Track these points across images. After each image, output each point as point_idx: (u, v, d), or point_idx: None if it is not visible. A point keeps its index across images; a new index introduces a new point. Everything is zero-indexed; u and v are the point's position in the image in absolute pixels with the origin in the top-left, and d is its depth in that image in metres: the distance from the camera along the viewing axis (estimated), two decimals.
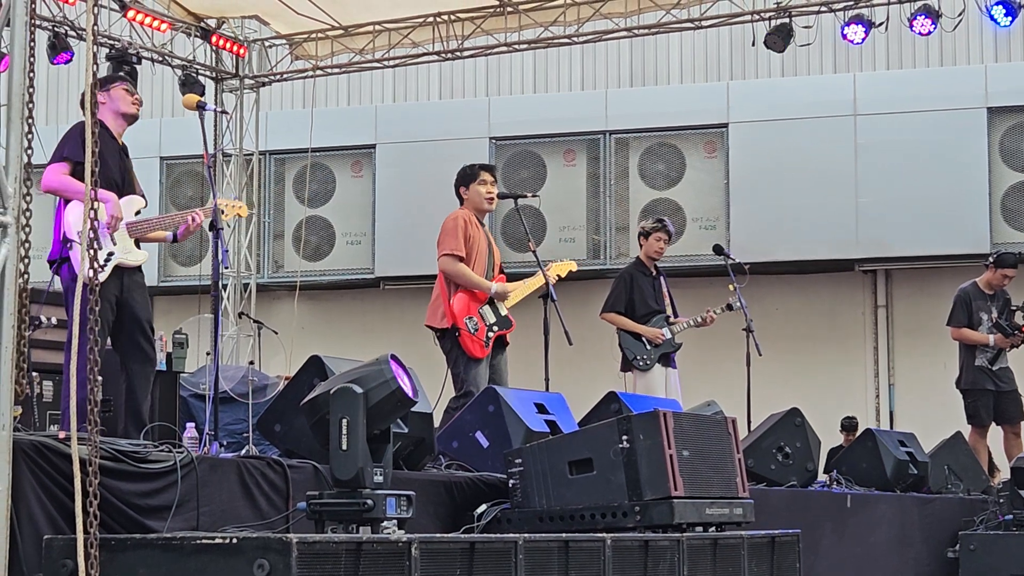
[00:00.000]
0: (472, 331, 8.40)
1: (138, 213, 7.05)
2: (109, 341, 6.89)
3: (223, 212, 7.35)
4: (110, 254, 6.77)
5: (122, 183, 6.95)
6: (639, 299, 10.35)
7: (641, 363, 10.23)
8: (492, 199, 8.79)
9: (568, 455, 6.19)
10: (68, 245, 6.63)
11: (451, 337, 8.44)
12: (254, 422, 6.54)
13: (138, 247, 7.02)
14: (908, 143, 15.29)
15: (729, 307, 10.51)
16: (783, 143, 15.68)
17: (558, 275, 9.10)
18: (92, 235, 4.70)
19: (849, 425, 15.25)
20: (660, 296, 10.46)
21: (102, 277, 6.62)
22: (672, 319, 10.40)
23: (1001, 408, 11.15)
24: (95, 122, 4.72)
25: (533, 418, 6.95)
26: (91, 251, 4.69)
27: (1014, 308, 11.13)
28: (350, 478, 4.97)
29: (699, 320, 10.40)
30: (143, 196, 7.11)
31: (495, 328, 8.51)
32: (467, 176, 8.76)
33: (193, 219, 7.07)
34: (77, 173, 6.52)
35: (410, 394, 5.17)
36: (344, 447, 4.98)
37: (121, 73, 7.23)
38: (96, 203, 4.72)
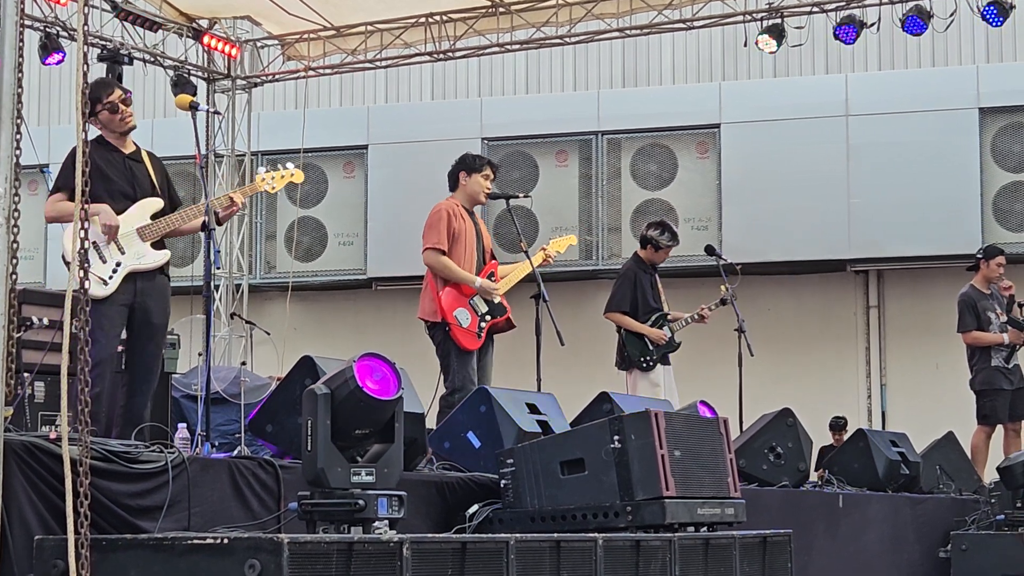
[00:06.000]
0: (463, 325, 8.41)
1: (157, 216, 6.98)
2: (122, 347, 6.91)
3: (272, 186, 7.29)
4: (117, 264, 6.75)
5: (134, 191, 6.92)
6: (642, 299, 10.38)
7: (644, 363, 10.25)
8: (487, 192, 8.84)
9: (560, 455, 6.18)
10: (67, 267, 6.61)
11: (442, 330, 8.45)
12: (246, 422, 6.53)
13: (163, 246, 6.99)
14: (900, 144, 15.30)
15: (723, 302, 10.50)
16: (775, 144, 15.68)
17: (557, 250, 9.27)
18: (84, 247, 4.71)
19: (837, 424, 15.28)
20: (657, 293, 10.50)
21: (111, 287, 6.67)
22: (670, 316, 10.41)
23: (1015, 406, 11.27)
24: (87, 127, 4.73)
25: (525, 418, 6.94)
26: (82, 268, 4.71)
27: (1020, 303, 11.24)
28: (311, 479, 4.96)
29: (695, 317, 10.43)
30: (161, 197, 7.00)
31: (488, 317, 8.52)
32: (472, 164, 8.77)
33: (232, 203, 6.97)
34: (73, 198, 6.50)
35: (380, 394, 5.07)
36: (308, 448, 4.96)
37: (104, 92, 7.00)
38: (88, 218, 4.74)
